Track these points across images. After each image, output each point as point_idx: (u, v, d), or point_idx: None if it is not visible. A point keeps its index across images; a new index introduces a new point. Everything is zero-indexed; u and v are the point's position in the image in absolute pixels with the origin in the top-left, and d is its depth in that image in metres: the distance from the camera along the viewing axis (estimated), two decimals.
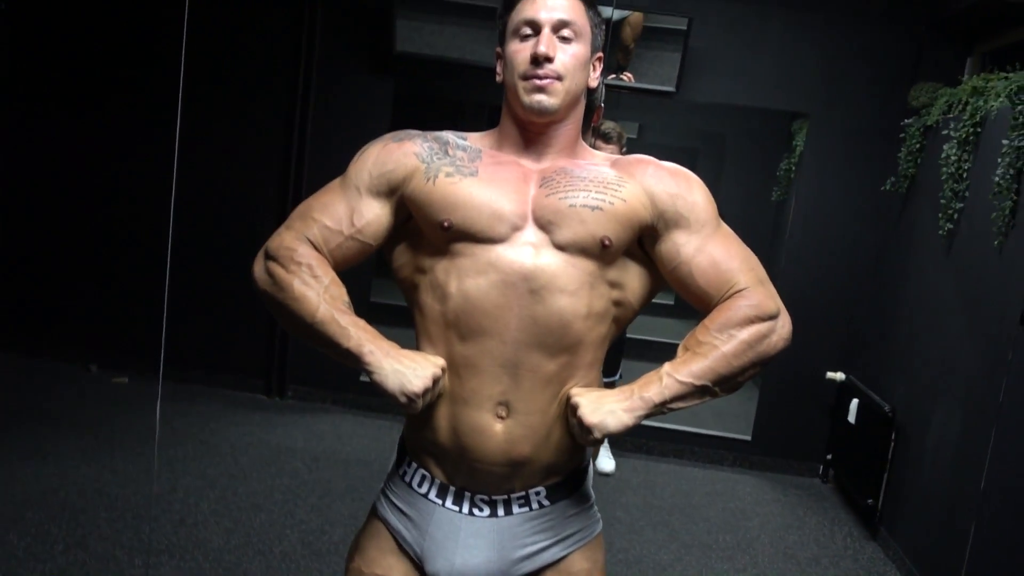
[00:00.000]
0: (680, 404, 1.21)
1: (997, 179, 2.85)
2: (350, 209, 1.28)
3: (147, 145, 4.41)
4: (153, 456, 3.45)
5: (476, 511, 1.26)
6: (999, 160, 2.86)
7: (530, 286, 1.20)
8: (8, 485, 3.08)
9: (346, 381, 4.47)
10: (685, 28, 3.96)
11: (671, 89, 4.12)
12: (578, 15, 1.27)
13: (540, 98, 1.24)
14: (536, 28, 1.25)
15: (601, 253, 1.22)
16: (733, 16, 4.09)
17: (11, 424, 3.66)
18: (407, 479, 1.32)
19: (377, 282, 4.83)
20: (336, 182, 1.33)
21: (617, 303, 1.28)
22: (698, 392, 1.21)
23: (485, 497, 1.26)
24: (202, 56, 4.13)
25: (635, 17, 4.06)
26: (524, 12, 1.27)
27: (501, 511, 1.27)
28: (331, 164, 4.34)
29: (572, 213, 1.21)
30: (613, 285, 1.27)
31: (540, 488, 1.27)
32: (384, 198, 1.28)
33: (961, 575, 1.95)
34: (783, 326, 1.27)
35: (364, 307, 4.47)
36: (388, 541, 1.32)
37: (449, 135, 1.34)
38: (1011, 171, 2.79)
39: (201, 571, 2.66)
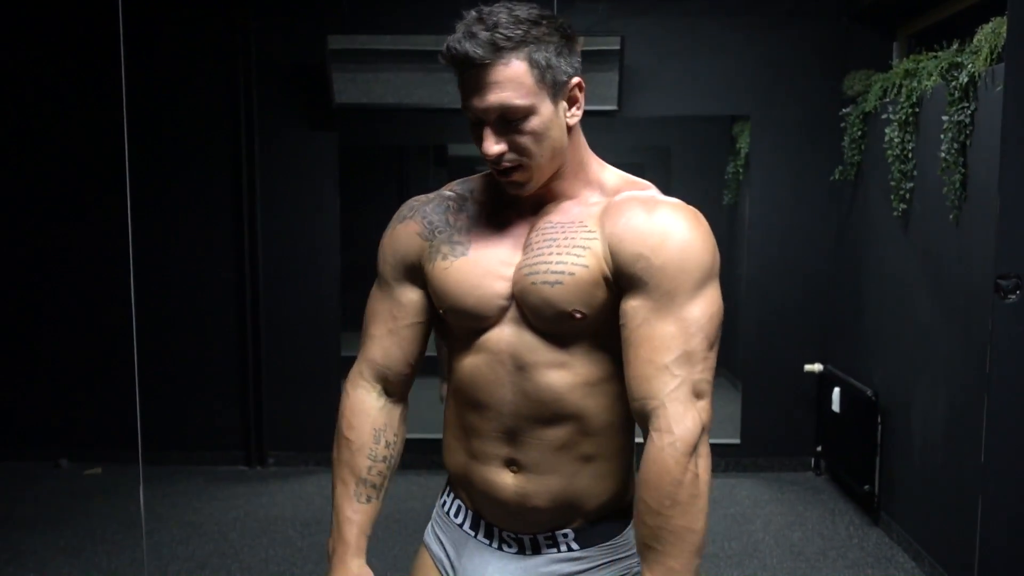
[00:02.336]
0: None
1: (943, 155, 2.91)
2: (390, 305, 1.33)
3: (93, 224, 4.32)
4: (141, 545, 3.33)
5: (505, 547, 1.27)
6: (942, 136, 2.93)
7: (516, 364, 1.20)
8: None
9: (327, 440, 4.35)
10: (619, 47, 4.01)
11: (613, 108, 4.16)
12: (516, 89, 1.11)
13: (510, 185, 1.19)
14: (478, 117, 1.15)
15: (581, 323, 1.16)
16: (663, 30, 4.16)
17: None
18: (446, 508, 1.36)
19: (346, 335, 4.76)
20: (376, 282, 1.37)
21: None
22: (697, 562, 1.11)
23: (512, 534, 1.26)
24: (141, 134, 4.08)
25: None
26: (464, 94, 1.15)
27: (529, 550, 1.26)
28: (284, 224, 4.33)
29: (535, 292, 1.16)
30: (617, 343, 1.17)
31: (568, 531, 1.25)
32: (410, 280, 1.31)
33: (973, 549, 1.95)
34: (704, 439, 1.10)
35: (335, 362, 4.41)
36: (431, 569, 1.35)
37: (454, 189, 1.32)
38: (955, 145, 2.86)
39: None
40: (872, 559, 3.23)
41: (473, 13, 1.12)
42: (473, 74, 1.12)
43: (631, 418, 1.20)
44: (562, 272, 1.15)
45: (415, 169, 5.50)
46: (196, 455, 4.42)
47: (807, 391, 4.21)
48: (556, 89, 1.15)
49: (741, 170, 5.34)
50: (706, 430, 1.10)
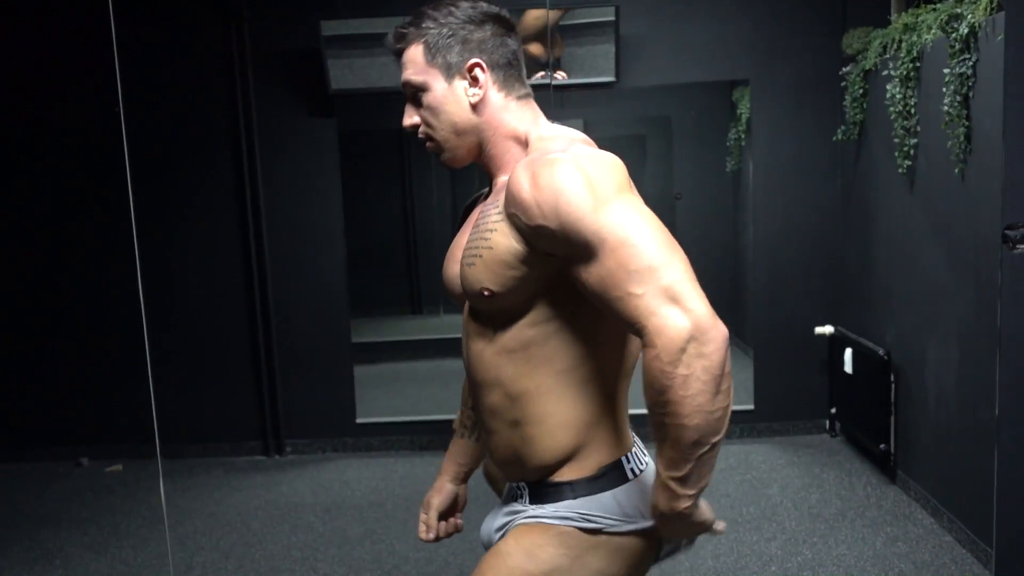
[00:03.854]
0: (704, 477, 1.14)
1: (946, 108, 2.88)
2: None
3: (98, 224, 4.33)
4: (165, 539, 3.36)
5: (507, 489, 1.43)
6: (944, 90, 2.90)
7: (464, 335, 1.36)
8: None
9: (343, 427, 4.42)
10: (614, 18, 3.98)
11: (611, 79, 4.14)
12: (412, 67, 1.32)
13: (433, 155, 1.37)
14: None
15: (493, 299, 1.24)
16: None
17: (11, 532, 3.56)
18: None
19: (355, 322, 4.78)
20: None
21: (556, 330, 1.26)
22: (700, 462, 1.12)
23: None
24: (138, 127, 4.07)
25: (527, 17, 4.05)
26: None
27: (503, 499, 1.44)
28: (288, 212, 4.34)
29: (460, 273, 1.30)
30: (545, 313, 1.25)
31: (522, 484, 1.36)
32: None
33: (991, 502, 1.95)
34: (700, 340, 1.06)
35: (346, 348, 4.43)
36: None
37: None
38: (958, 98, 2.83)
39: None
40: (890, 517, 3.24)
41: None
42: (399, 58, 1.34)
43: (565, 383, 1.26)
44: (476, 255, 1.25)
45: (417, 152, 5.49)
46: (214, 447, 4.45)
47: (819, 354, 4.20)
48: (449, 69, 1.30)
49: (743, 136, 5.31)
50: (700, 327, 1.05)
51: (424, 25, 1.31)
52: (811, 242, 4.19)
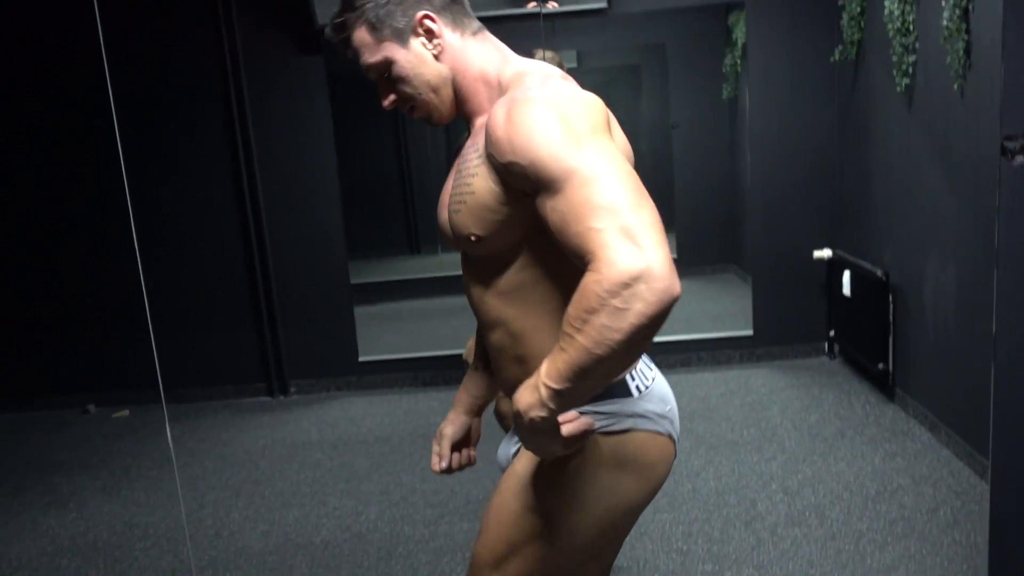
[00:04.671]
0: (571, 404, 1.12)
1: (945, 23, 2.83)
2: None
3: (91, 173, 4.30)
4: (175, 478, 3.42)
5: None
6: (943, 3, 2.84)
7: (465, 277, 1.39)
8: (37, 539, 3.05)
9: (346, 366, 4.45)
10: None
11: (603, 5, 4.05)
12: (368, 49, 1.31)
13: (425, 122, 1.38)
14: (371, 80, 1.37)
15: (481, 244, 1.26)
16: None
17: (24, 480, 3.61)
18: None
19: (355, 264, 4.78)
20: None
21: (547, 271, 1.26)
22: (576, 390, 1.10)
23: None
24: (126, 70, 4.01)
25: None
26: None
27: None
28: (280, 156, 4.29)
29: (448, 221, 1.31)
30: (534, 256, 1.26)
31: None
32: None
33: (987, 415, 1.97)
34: (648, 285, 1.01)
35: (345, 287, 4.44)
36: None
37: None
38: (957, 11, 2.77)
39: (247, 574, 2.66)
40: (889, 434, 3.29)
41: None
42: (347, 49, 1.34)
43: (560, 322, 1.20)
44: (460, 201, 1.26)
45: None
46: (219, 391, 4.50)
47: (817, 278, 4.21)
48: (400, 35, 1.30)
49: (739, 62, 5.22)
50: (653, 275, 1.01)
51: (358, 5, 1.30)
52: (808, 166, 4.16)
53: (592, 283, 1.03)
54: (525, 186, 1.16)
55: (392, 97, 1.36)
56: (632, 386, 1.33)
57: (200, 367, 4.47)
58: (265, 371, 4.46)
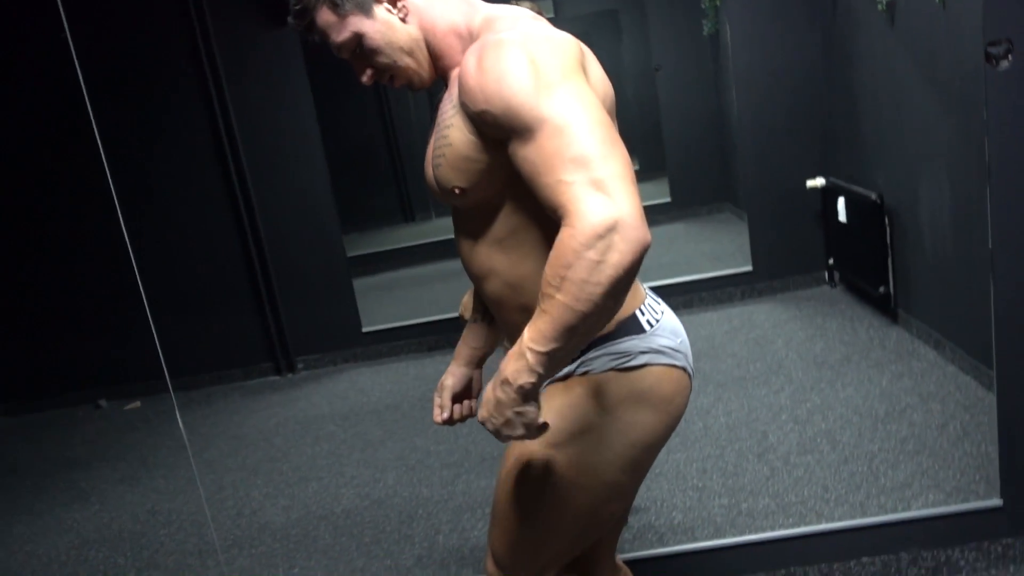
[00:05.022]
0: (559, 363, 1.13)
1: None
2: None
3: (71, 166, 4.26)
4: (191, 465, 3.45)
5: None
6: None
7: (456, 231, 1.38)
8: (63, 534, 3.09)
9: (350, 338, 4.47)
10: None
11: None
12: (333, 30, 1.29)
13: (407, 90, 1.36)
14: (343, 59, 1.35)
15: (465, 196, 1.26)
16: None
17: (44, 479, 3.65)
18: None
19: (348, 238, 4.77)
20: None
21: (539, 212, 1.20)
22: (564, 348, 1.10)
23: None
24: (94, 58, 3.96)
25: None
26: None
27: None
28: (261, 132, 4.25)
29: (431, 175, 1.30)
30: (522, 201, 1.24)
31: None
32: None
33: (989, 328, 1.98)
34: (621, 235, 1.03)
35: (341, 259, 4.45)
36: None
37: None
38: None
39: (272, 552, 2.70)
40: (894, 356, 3.31)
41: None
42: (315, 36, 1.32)
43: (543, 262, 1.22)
44: (440, 155, 1.25)
45: None
46: (228, 374, 4.52)
47: (812, 207, 4.19)
48: (363, 6, 1.28)
49: None
50: (624, 224, 1.03)
51: None
52: (795, 96, 4.12)
53: (566, 238, 1.05)
54: (499, 134, 1.16)
55: (369, 71, 1.33)
56: (643, 321, 1.33)
57: (207, 352, 4.49)
58: (271, 350, 4.48)
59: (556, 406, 1.32)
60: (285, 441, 3.59)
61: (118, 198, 2.60)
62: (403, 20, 1.29)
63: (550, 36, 1.17)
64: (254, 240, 4.33)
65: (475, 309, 1.64)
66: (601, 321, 1.09)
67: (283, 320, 4.44)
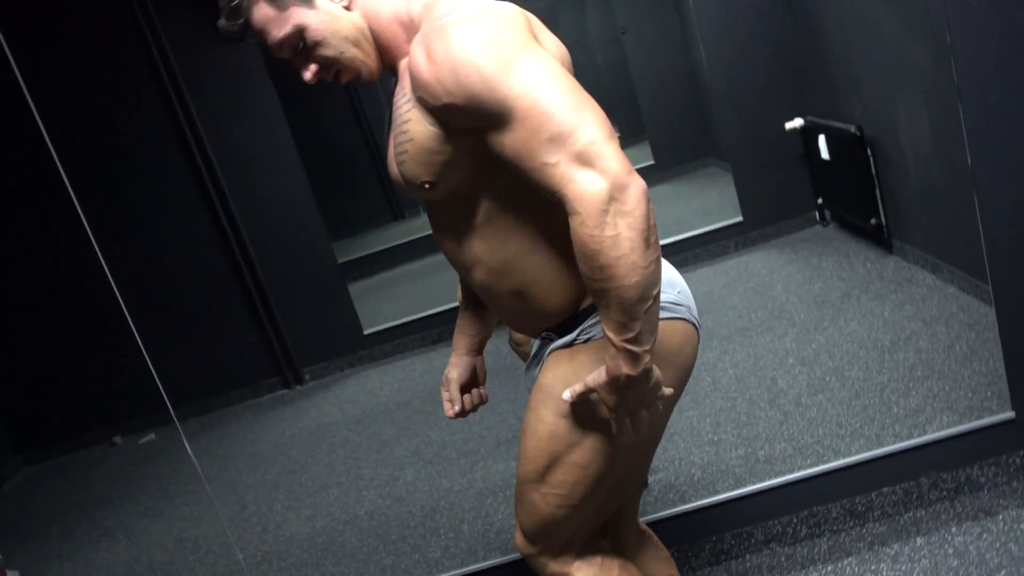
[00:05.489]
0: (651, 334, 1.14)
1: None
2: None
3: (47, 216, 4.24)
4: (214, 486, 3.46)
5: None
6: None
7: (433, 224, 1.36)
8: (93, 573, 3.10)
9: (353, 342, 4.46)
10: None
11: None
12: (272, 26, 1.24)
13: (356, 83, 1.30)
14: (282, 59, 1.31)
15: (436, 189, 1.23)
16: None
17: (69, 521, 3.66)
18: None
19: (341, 242, 4.77)
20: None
21: (514, 193, 1.23)
22: (647, 316, 1.12)
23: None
24: (49, 82, 3.94)
25: None
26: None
27: (535, 346, 1.44)
28: (235, 147, 4.22)
29: (398, 173, 1.26)
30: (493, 184, 1.24)
31: (547, 331, 1.38)
32: None
33: (979, 242, 1.98)
34: (622, 197, 1.05)
35: (333, 265, 4.44)
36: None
37: None
38: None
39: (302, 563, 2.71)
40: (893, 285, 3.30)
41: None
42: (250, 36, 1.26)
43: (544, 238, 1.24)
44: (403, 151, 1.21)
45: None
46: (237, 395, 4.52)
47: (794, 149, 4.17)
48: None
49: None
50: (618, 185, 1.04)
51: None
52: (761, 40, 4.08)
53: (577, 227, 1.07)
54: (467, 123, 1.14)
55: (314, 67, 1.28)
56: None
57: (213, 376, 4.49)
58: (276, 365, 4.48)
59: (562, 375, 1.32)
60: (301, 452, 3.59)
61: (96, 237, 2.59)
62: (347, 8, 1.25)
63: (491, 9, 1.15)
64: (244, 259, 4.32)
65: (464, 297, 1.63)
66: (655, 276, 1.11)
67: (284, 334, 4.44)
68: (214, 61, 4.13)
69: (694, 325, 1.37)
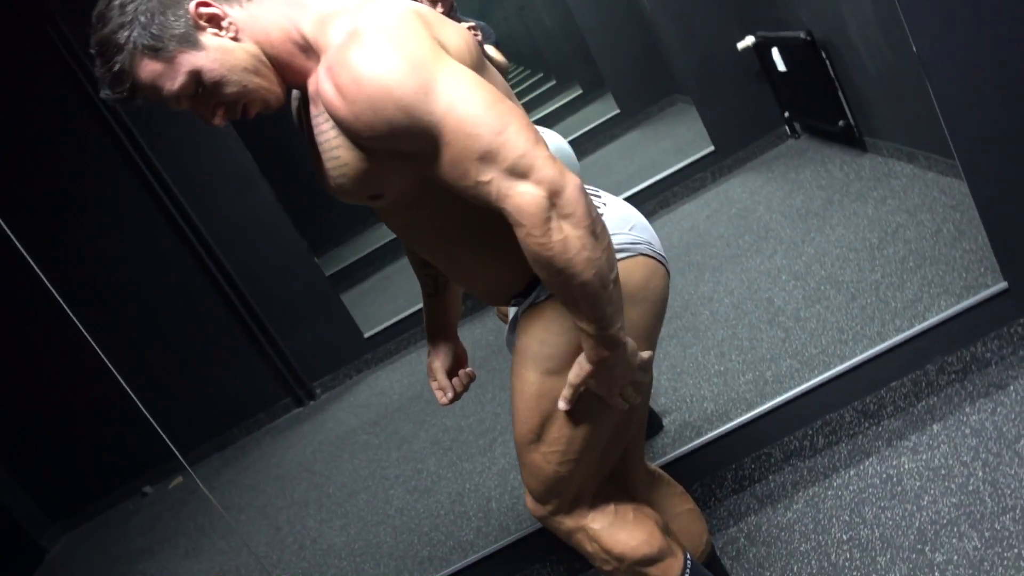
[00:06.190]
0: (620, 312, 1.18)
1: None
2: None
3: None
4: (248, 515, 3.48)
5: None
6: None
7: (388, 222, 1.35)
8: None
9: (356, 348, 4.47)
10: None
11: None
12: (163, 80, 1.15)
13: (265, 114, 1.24)
14: (185, 110, 1.24)
15: (385, 199, 1.22)
16: None
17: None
18: None
19: (330, 254, 4.76)
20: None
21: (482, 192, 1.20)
22: (612, 304, 1.15)
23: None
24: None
25: None
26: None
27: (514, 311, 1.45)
28: (197, 178, 4.19)
29: (340, 190, 1.22)
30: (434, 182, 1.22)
31: (515, 298, 1.39)
32: None
33: (939, 121, 1.95)
34: (560, 202, 1.07)
35: (320, 278, 4.43)
36: None
37: None
38: None
39: (342, 571, 2.72)
40: (873, 182, 3.27)
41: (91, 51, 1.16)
42: (139, 99, 1.19)
43: (492, 215, 1.20)
44: (341, 175, 1.19)
45: None
46: (253, 422, 4.53)
47: (750, 67, 4.12)
48: (187, 39, 1.14)
49: None
50: (554, 191, 1.06)
51: (118, 41, 1.13)
52: None
53: (524, 238, 1.09)
54: (396, 147, 1.12)
55: (220, 111, 1.20)
56: None
57: (226, 408, 4.50)
58: (286, 386, 4.49)
59: (536, 334, 1.32)
60: (325, 465, 3.60)
61: (72, 308, 2.58)
62: (235, 40, 1.17)
63: (387, 25, 1.09)
64: (232, 290, 4.31)
65: (424, 286, 1.62)
66: (611, 255, 1.14)
67: (288, 355, 4.44)
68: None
69: (655, 258, 1.35)
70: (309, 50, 1.18)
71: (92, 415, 4.50)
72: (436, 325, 1.63)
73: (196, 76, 1.16)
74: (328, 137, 1.17)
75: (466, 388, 1.64)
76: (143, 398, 4.31)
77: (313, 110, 1.19)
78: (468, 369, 1.65)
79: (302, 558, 2.94)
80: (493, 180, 1.08)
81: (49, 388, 4.47)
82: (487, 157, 1.07)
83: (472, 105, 1.07)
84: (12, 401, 4.47)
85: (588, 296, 1.12)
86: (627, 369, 1.24)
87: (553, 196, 1.07)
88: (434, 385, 1.62)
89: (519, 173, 1.07)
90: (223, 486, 4.00)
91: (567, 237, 1.07)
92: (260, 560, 3.01)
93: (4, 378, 4.43)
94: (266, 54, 1.18)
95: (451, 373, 1.63)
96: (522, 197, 1.07)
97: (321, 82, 1.12)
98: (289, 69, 1.20)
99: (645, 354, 1.28)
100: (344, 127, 1.12)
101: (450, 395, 1.62)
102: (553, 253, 1.08)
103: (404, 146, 1.11)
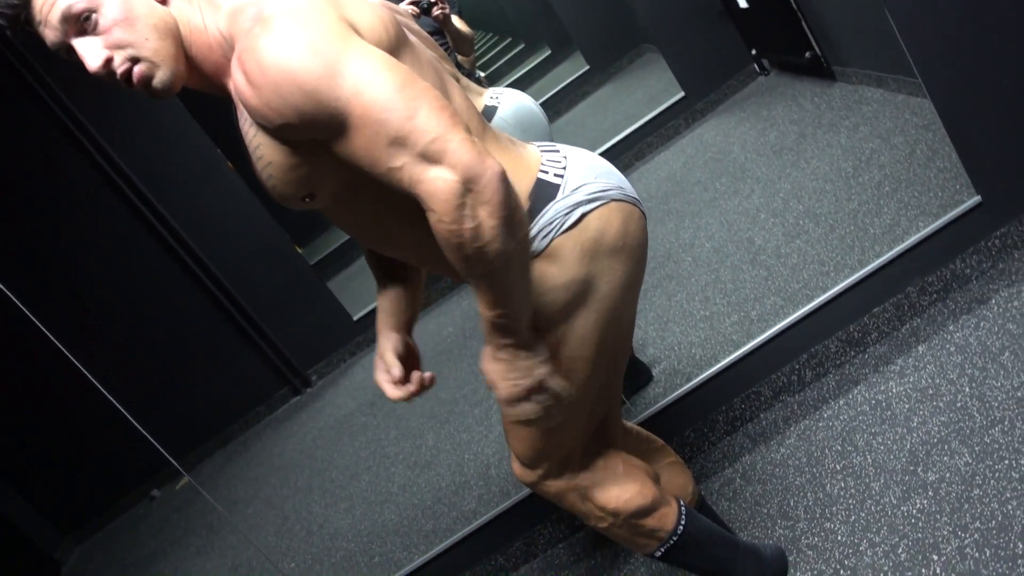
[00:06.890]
0: (523, 311, 1.16)
1: None
2: None
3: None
4: (256, 509, 3.49)
5: None
6: None
7: (340, 221, 1.33)
8: None
9: (346, 331, 4.46)
10: None
11: None
12: None
13: (146, 92, 1.14)
14: (59, 47, 1.14)
15: (319, 199, 1.19)
16: None
17: None
18: None
19: (314, 243, 4.72)
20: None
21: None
22: (514, 292, 1.13)
23: None
24: None
25: None
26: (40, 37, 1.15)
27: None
28: (167, 177, 4.15)
29: (274, 193, 1.19)
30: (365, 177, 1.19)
31: None
32: None
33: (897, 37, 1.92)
34: (476, 187, 1.02)
35: (304, 267, 4.40)
36: None
37: None
38: None
39: (351, 552, 2.73)
40: (846, 111, 3.23)
41: None
42: (27, 17, 1.09)
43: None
44: (268, 175, 1.15)
45: None
46: (253, 417, 4.53)
47: (714, 7, 4.07)
48: None
49: None
50: (470, 177, 1.02)
51: None
52: None
53: (436, 224, 1.05)
54: (307, 136, 1.09)
55: (106, 54, 1.10)
56: (551, 178, 1.28)
57: (225, 405, 4.49)
58: (281, 377, 4.48)
59: None
60: (326, 451, 3.61)
61: (56, 332, 2.56)
62: (161, 2, 1.13)
63: (293, 9, 1.04)
64: (217, 287, 4.28)
65: (378, 280, 1.57)
66: (524, 253, 1.11)
67: (280, 346, 4.42)
68: (114, 96, 4.01)
69: (628, 202, 1.33)
70: (227, 47, 1.14)
71: (91, 426, 4.49)
72: (387, 316, 1.55)
73: (93, 10, 1.09)
74: (250, 137, 1.14)
75: (424, 389, 1.51)
76: (140, 406, 4.30)
77: (239, 113, 1.17)
78: (430, 373, 1.52)
79: (311, 544, 2.94)
80: (405, 166, 1.04)
81: (44, 404, 4.46)
82: (397, 142, 1.03)
83: (380, 88, 1.02)
84: (10, 421, 4.46)
85: (495, 286, 1.10)
86: (527, 374, 1.18)
87: (468, 182, 1.02)
88: (384, 378, 1.50)
89: (431, 158, 1.02)
90: (228, 482, 4.00)
91: (481, 224, 1.03)
92: (264, 553, 3.02)
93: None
94: (184, 38, 1.14)
95: (405, 366, 1.54)
96: (434, 183, 1.02)
97: (233, 73, 1.09)
98: (207, 64, 1.16)
99: (562, 382, 1.22)
100: (256, 116, 1.08)
101: (406, 388, 1.49)
102: (464, 240, 1.04)
103: (315, 134, 1.07)
